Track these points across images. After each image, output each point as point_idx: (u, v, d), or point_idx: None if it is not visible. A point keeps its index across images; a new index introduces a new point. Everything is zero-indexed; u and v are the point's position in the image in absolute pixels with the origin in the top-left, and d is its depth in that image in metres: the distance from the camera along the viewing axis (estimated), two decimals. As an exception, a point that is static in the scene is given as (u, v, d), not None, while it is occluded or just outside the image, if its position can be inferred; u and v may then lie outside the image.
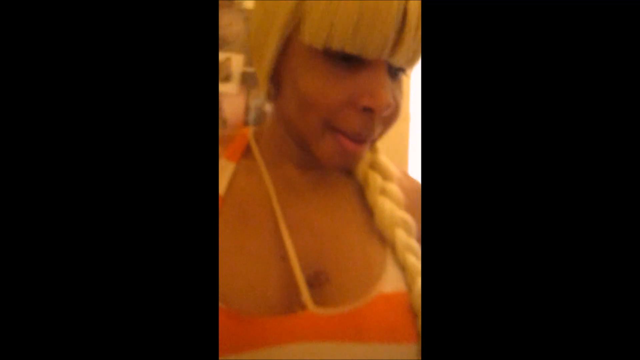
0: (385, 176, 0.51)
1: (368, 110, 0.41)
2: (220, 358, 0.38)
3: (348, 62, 0.40)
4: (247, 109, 1.36)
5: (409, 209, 0.50)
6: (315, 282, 0.44)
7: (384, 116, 0.42)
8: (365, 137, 0.42)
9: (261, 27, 0.44)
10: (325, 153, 0.43)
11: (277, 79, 0.45)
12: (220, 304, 0.40)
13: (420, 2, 0.39)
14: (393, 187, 0.50)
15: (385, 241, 0.48)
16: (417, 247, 0.48)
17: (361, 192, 0.51)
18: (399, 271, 0.46)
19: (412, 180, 0.55)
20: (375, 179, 0.50)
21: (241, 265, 0.43)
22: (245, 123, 1.34)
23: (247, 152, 0.51)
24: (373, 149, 0.53)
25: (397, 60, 0.40)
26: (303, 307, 0.42)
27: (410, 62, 0.42)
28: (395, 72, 0.43)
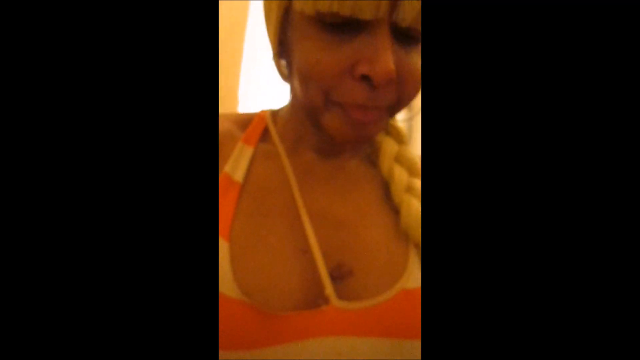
0: (412, 172, 0.48)
1: (367, 79, 0.37)
2: (246, 353, 0.38)
3: (344, 28, 0.36)
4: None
5: None
6: (338, 274, 0.43)
7: (398, 90, 0.39)
8: (376, 106, 0.39)
9: (266, 2, 0.42)
10: (333, 126, 0.40)
11: (288, 57, 0.42)
12: (245, 299, 0.40)
13: None
14: (420, 185, 0.47)
15: (408, 237, 0.46)
16: None
17: (384, 184, 0.48)
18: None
19: None
20: (402, 175, 0.47)
21: (263, 258, 0.42)
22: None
23: (264, 135, 0.49)
24: (400, 140, 0.49)
25: (403, 19, 0.35)
26: (326, 301, 0.41)
27: (417, 20, 0.36)
28: (408, 36, 0.37)
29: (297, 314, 0.40)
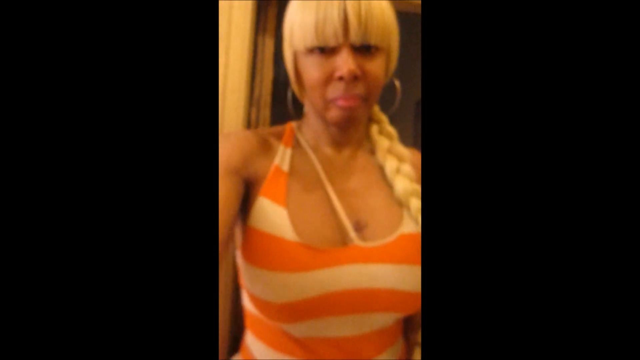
0: (400, 158, 0.73)
1: (342, 78, 0.62)
2: (302, 274, 0.59)
3: (324, 53, 0.62)
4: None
5: (418, 180, 0.72)
6: (357, 227, 0.66)
7: (365, 84, 0.63)
8: (353, 95, 0.63)
9: (283, 49, 0.68)
10: (332, 116, 0.65)
11: (301, 83, 0.68)
12: (300, 240, 0.61)
13: (357, 1, 0.59)
14: (406, 167, 0.72)
15: (401, 203, 0.70)
16: None
17: (381, 168, 0.73)
18: (413, 221, 0.68)
19: (419, 156, 0.76)
20: (392, 162, 0.72)
21: (308, 216, 0.65)
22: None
23: (296, 139, 0.74)
24: (390, 137, 0.75)
25: (354, 40, 0.60)
26: (352, 241, 0.64)
27: (367, 39, 0.60)
28: (364, 49, 0.62)
29: (334, 249, 0.63)
